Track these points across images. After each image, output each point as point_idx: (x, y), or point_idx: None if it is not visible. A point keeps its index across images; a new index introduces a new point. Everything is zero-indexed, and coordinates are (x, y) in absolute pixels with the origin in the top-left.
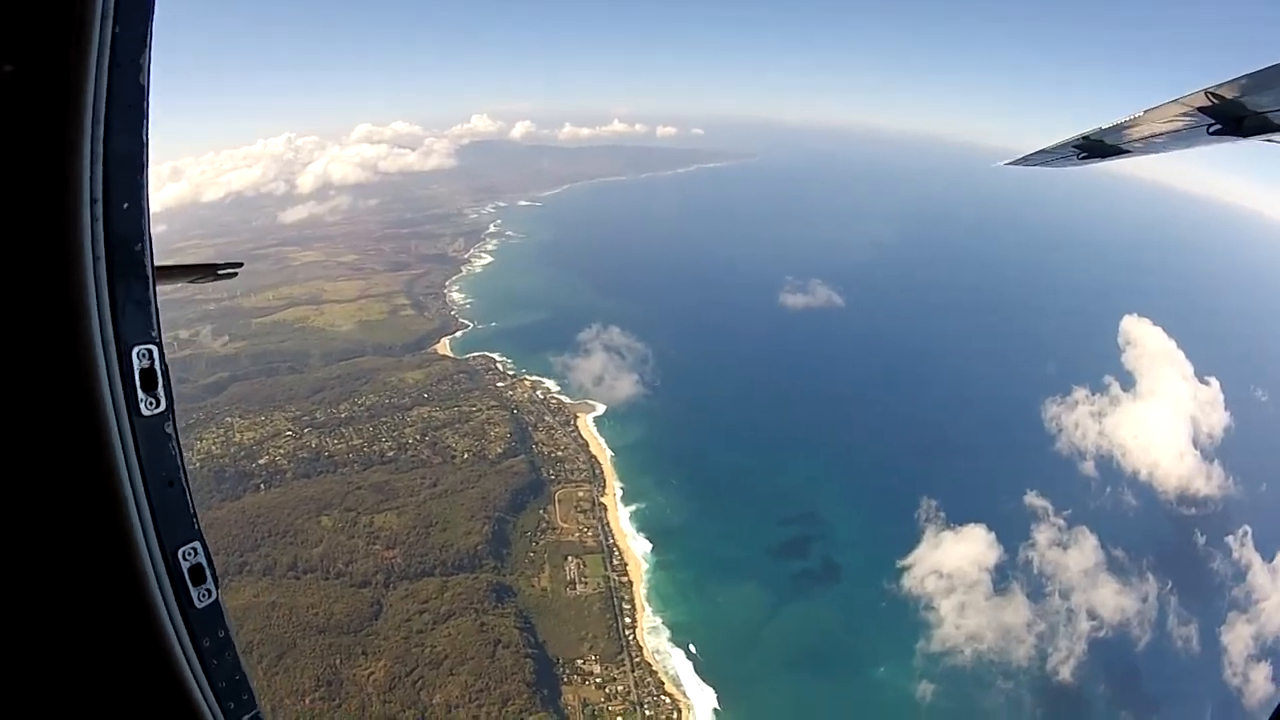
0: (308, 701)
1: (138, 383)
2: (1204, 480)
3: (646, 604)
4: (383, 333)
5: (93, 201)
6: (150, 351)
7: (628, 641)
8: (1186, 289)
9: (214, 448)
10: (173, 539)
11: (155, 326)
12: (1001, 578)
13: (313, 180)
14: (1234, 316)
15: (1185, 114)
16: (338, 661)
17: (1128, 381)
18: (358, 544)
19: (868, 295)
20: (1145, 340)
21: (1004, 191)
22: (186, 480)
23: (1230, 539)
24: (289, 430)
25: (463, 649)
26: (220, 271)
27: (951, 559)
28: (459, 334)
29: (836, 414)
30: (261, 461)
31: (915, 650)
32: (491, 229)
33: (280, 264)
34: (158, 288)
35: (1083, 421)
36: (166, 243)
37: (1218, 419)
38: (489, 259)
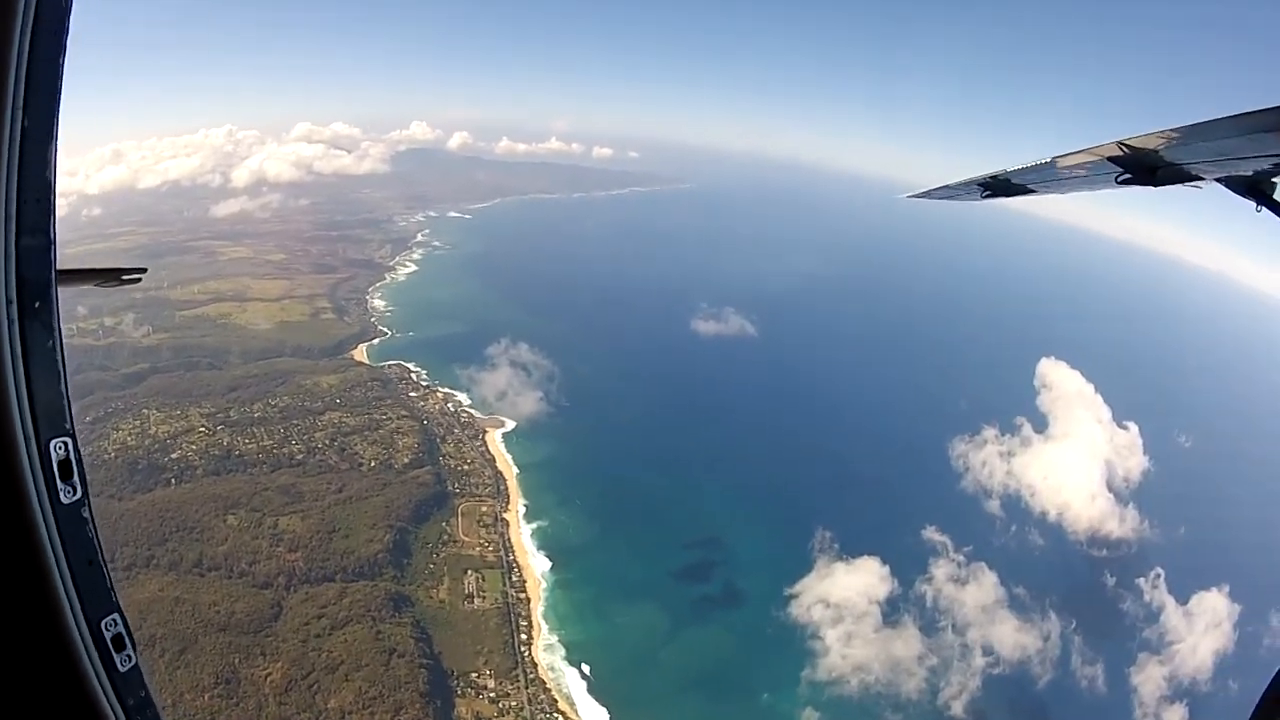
0: (206, 698)
1: (56, 473)
2: (1117, 523)
3: (543, 621)
4: (302, 334)
5: (8, 303)
6: (66, 444)
7: (523, 658)
8: (1108, 332)
9: (129, 439)
10: (96, 612)
11: (69, 419)
12: (893, 610)
13: (248, 175)
14: (1158, 361)
15: (1096, 162)
16: (237, 660)
17: (1040, 423)
18: (261, 545)
19: (782, 325)
20: (1062, 383)
21: (928, 227)
22: (103, 558)
23: (1141, 581)
24: (203, 427)
25: (358, 656)
26: (125, 276)
27: (840, 590)
28: (376, 341)
29: (743, 441)
30: (174, 456)
31: (800, 678)
32: (419, 238)
33: (209, 257)
34: (62, 291)
35: (990, 460)
36: (101, 227)
37: (1136, 463)
38: (414, 268)
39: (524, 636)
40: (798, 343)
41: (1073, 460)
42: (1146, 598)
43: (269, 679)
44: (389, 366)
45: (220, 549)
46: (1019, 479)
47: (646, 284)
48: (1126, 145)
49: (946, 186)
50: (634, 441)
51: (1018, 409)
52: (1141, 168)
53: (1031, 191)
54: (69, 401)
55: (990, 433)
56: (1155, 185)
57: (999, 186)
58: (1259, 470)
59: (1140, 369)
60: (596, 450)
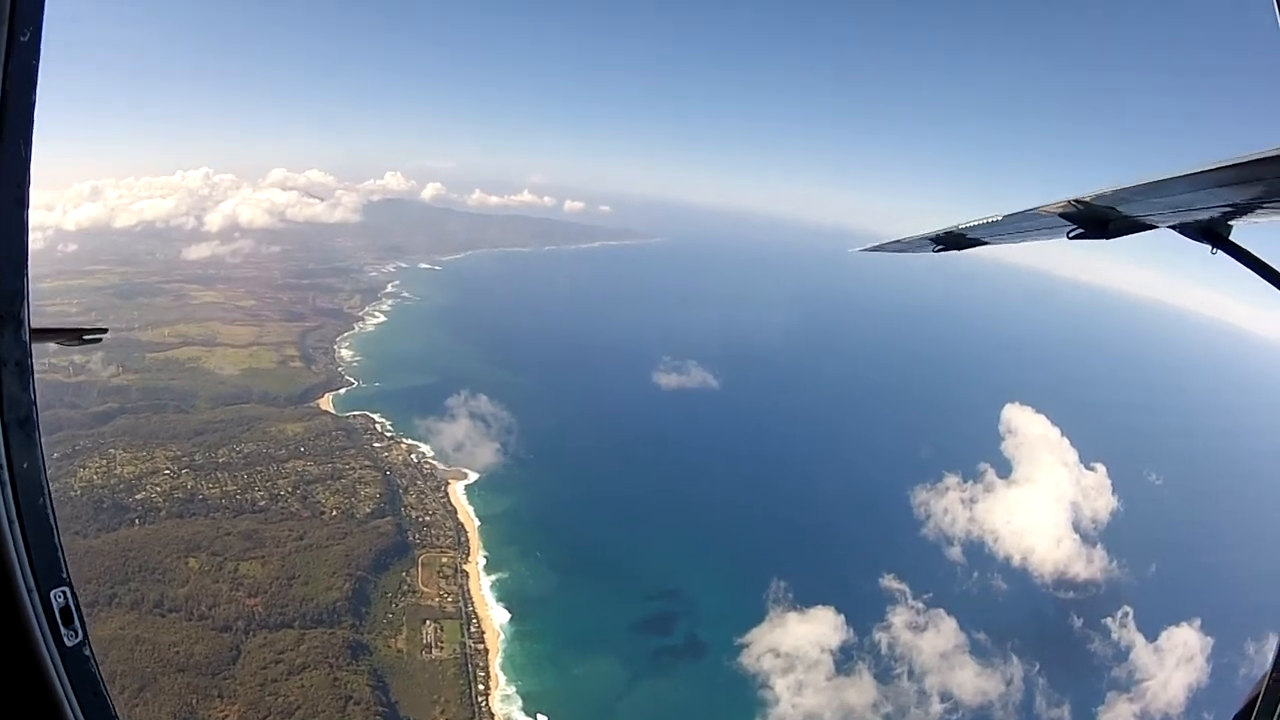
0: None
1: (59, 622)
2: (1084, 564)
3: (501, 673)
4: (270, 381)
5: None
6: (65, 593)
7: (479, 708)
8: (1073, 374)
9: (95, 477)
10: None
11: (64, 565)
12: (846, 658)
13: (221, 219)
14: (1124, 400)
15: (1048, 218)
16: (195, 701)
17: (1004, 469)
18: (222, 589)
19: (745, 378)
20: (1027, 428)
21: (894, 276)
22: (106, 689)
23: (1109, 620)
24: (168, 469)
25: (314, 701)
26: (86, 336)
27: (791, 639)
28: (343, 391)
29: (703, 493)
30: (139, 497)
31: None
32: (389, 288)
33: (180, 300)
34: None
35: (952, 507)
36: (78, 263)
37: (1104, 503)
38: (383, 318)
39: (481, 687)
40: (760, 395)
41: (1037, 504)
42: (1115, 636)
43: None
44: (354, 416)
45: (181, 590)
46: (981, 525)
47: (612, 337)
48: (1078, 202)
49: (899, 241)
50: (595, 494)
51: (981, 455)
52: (1093, 222)
53: (984, 243)
54: (63, 552)
55: (952, 480)
56: (1108, 237)
57: (951, 241)
58: (1231, 502)
59: (1106, 409)
60: (558, 502)
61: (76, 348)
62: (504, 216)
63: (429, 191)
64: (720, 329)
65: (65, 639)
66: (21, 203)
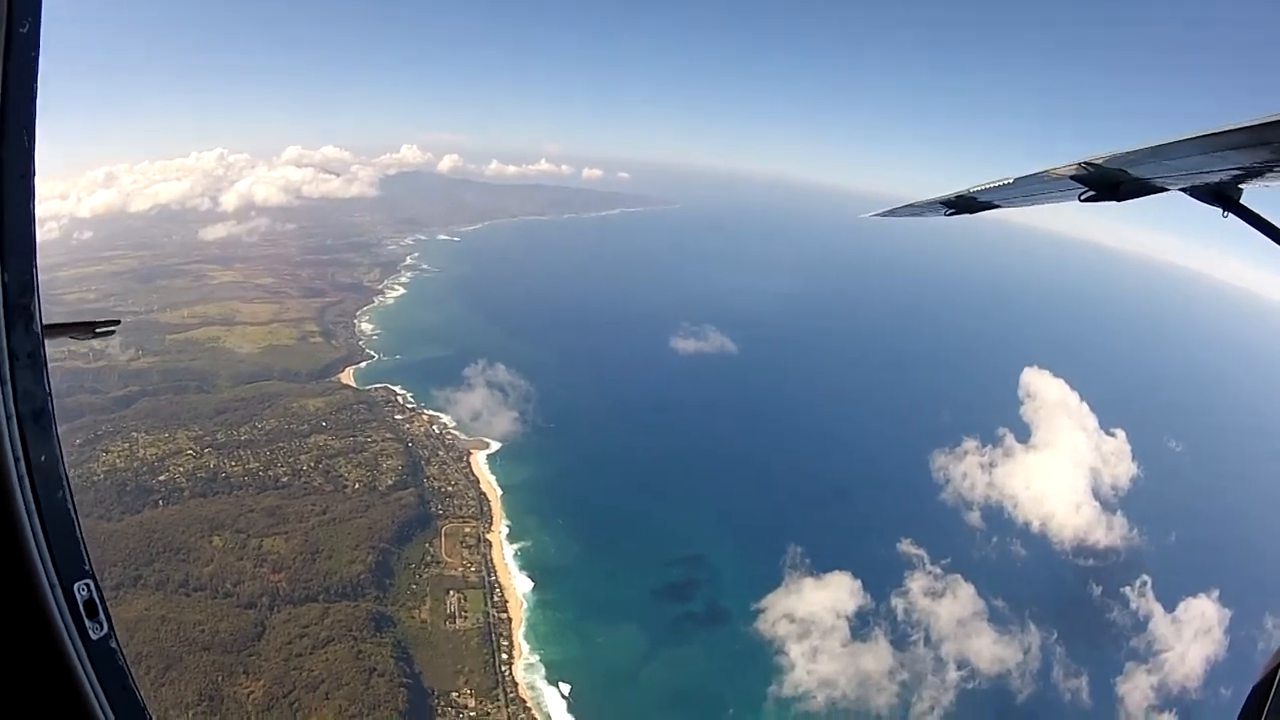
0: (190, 715)
1: (84, 614)
2: (1104, 531)
3: (524, 641)
4: (290, 358)
5: (15, 458)
6: (88, 585)
7: (503, 677)
8: (1092, 338)
9: (118, 461)
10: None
11: (88, 561)
12: (862, 624)
13: (236, 199)
14: (1145, 366)
15: (1058, 180)
16: (220, 679)
17: (1023, 433)
18: (246, 566)
19: (763, 342)
20: (1045, 392)
21: (912, 238)
22: (134, 682)
23: (1128, 589)
24: (190, 449)
25: (339, 674)
26: (99, 329)
27: (806, 605)
28: (364, 364)
29: (723, 458)
30: (162, 478)
31: (768, 694)
32: (408, 261)
33: (199, 281)
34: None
35: (971, 472)
36: (93, 250)
37: (1124, 470)
38: (402, 291)
39: (505, 656)
40: (779, 359)
41: (1057, 470)
42: (1133, 606)
43: (251, 697)
44: (375, 389)
45: (206, 569)
46: (1001, 490)
47: (630, 304)
48: (1089, 165)
49: (910, 205)
50: (616, 461)
51: (1000, 420)
52: (1104, 184)
53: (996, 206)
54: (85, 544)
55: (971, 444)
56: (1118, 200)
57: (963, 204)
58: (1253, 469)
59: (1127, 375)
60: (579, 471)
61: (90, 339)
62: (522, 186)
63: (445, 163)
64: (739, 294)
65: (90, 632)
66: (28, 195)
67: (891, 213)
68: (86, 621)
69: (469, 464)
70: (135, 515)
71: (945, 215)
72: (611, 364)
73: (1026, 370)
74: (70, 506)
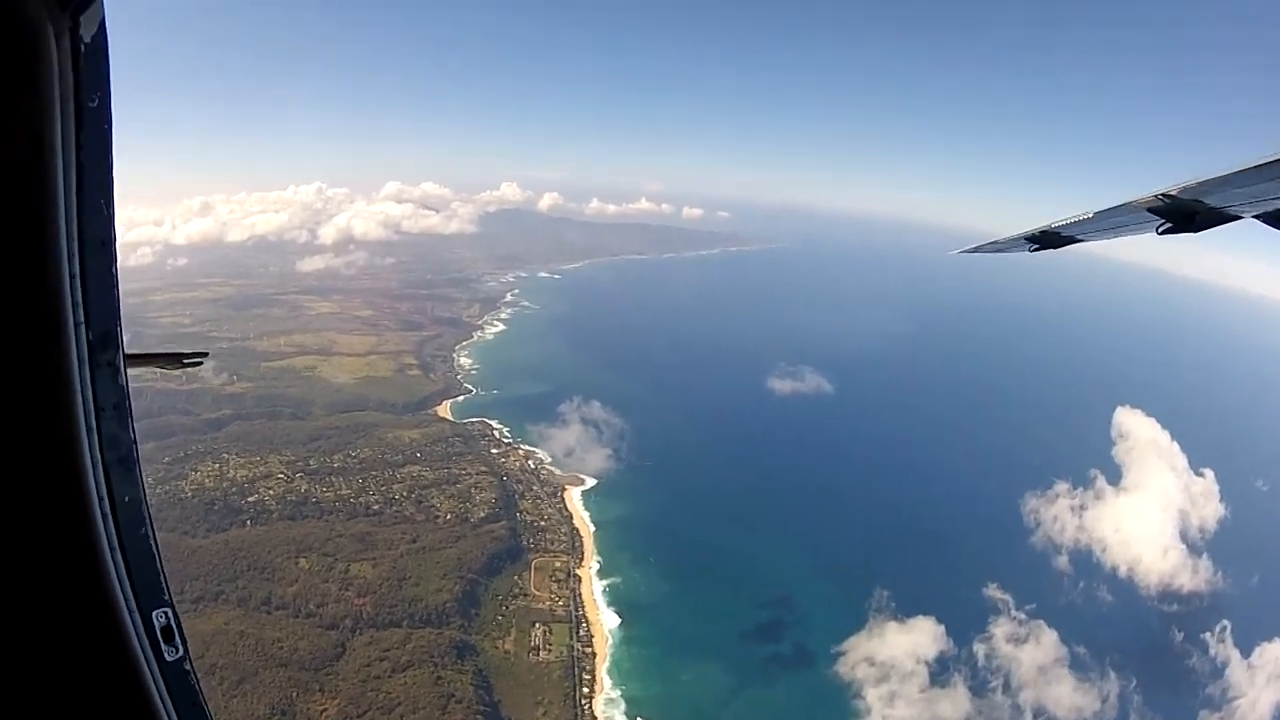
0: None
1: (160, 639)
2: (1189, 575)
3: (607, 677)
4: (387, 389)
5: (99, 499)
6: (166, 613)
7: (582, 711)
8: (1185, 375)
9: (207, 480)
10: None
11: (166, 588)
12: (942, 670)
13: (335, 232)
14: (1235, 403)
15: (1136, 214)
16: (295, 694)
17: (1114, 475)
18: (331, 588)
19: (860, 383)
20: (1137, 431)
21: (1008, 275)
22: (205, 701)
23: (1208, 635)
24: (282, 473)
25: (416, 699)
26: (186, 360)
27: (888, 649)
28: (461, 398)
29: (816, 499)
30: (251, 499)
31: None
32: (508, 297)
33: (296, 311)
34: (130, 373)
35: (1062, 515)
36: (187, 276)
37: (1211, 511)
38: (502, 327)
39: (586, 690)
40: (874, 400)
41: (1146, 512)
42: (1212, 652)
43: (324, 714)
44: (472, 423)
45: (290, 589)
46: (1090, 534)
47: (728, 343)
48: (1165, 196)
49: (995, 242)
50: (710, 500)
51: (1092, 460)
52: (1180, 215)
53: (1078, 241)
54: (164, 573)
55: (1063, 486)
56: (1194, 230)
57: (1046, 240)
58: None
59: (1217, 412)
60: (673, 508)
61: (178, 369)
62: (622, 225)
63: (545, 201)
64: (836, 333)
65: (165, 654)
66: (109, 261)
67: (978, 249)
68: (163, 645)
69: (563, 499)
70: (221, 534)
71: (1030, 251)
72: (708, 403)
73: (1119, 410)
74: (152, 542)
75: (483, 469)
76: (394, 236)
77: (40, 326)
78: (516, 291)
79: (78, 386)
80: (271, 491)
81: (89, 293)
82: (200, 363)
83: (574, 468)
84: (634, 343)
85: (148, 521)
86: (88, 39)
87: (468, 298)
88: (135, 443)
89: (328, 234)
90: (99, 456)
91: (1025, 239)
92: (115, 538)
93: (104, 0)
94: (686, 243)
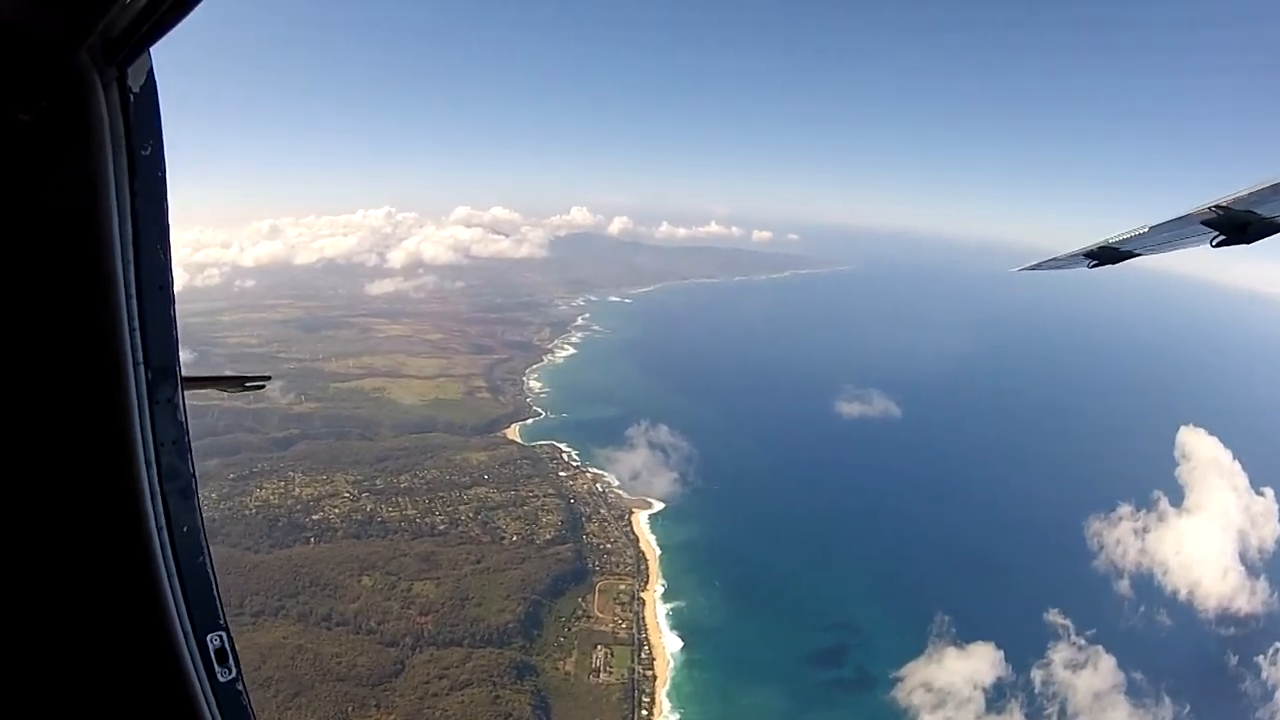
0: None
1: (214, 661)
2: (1247, 598)
3: (666, 700)
4: (456, 412)
5: (158, 527)
6: (221, 637)
7: None
8: (1244, 392)
9: (272, 497)
10: None
11: (221, 613)
12: (999, 696)
13: (404, 256)
14: None
15: (1191, 227)
16: (350, 709)
17: (1177, 496)
18: (393, 606)
19: (927, 406)
20: (1201, 452)
21: (1071, 296)
22: (253, 714)
23: (1261, 658)
24: (348, 492)
25: (473, 717)
26: (248, 384)
27: (946, 674)
28: (530, 421)
29: (882, 524)
30: (315, 517)
31: None
32: (579, 321)
33: (365, 334)
34: (189, 394)
35: (1124, 539)
36: (255, 298)
37: (1270, 531)
38: (572, 350)
39: (644, 713)
40: (941, 421)
41: (1207, 533)
42: (1264, 675)
43: None
44: (540, 446)
45: (351, 606)
46: (1152, 557)
47: (796, 366)
48: (1218, 207)
49: (1054, 259)
50: (776, 524)
51: (1156, 482)
52: (1233, 227)
53: (1136, 255)
54: (220, 599)
55: (1126, 509)
56: (1248, 242)
57: (1104, 255)
58: None
59: (1275, 427)
60: (739, 532)
61: (238, 392)
62: (692, 248)
63: (615, 226)
64: (904, 355)
65: (219, 676)
66: (167, 303)
67: (1037, 266)
68: (216, 667)
69: (630, 523)
70: (284, 550)
71: (1089, 267)
72: (777, 427)
73: (1183, 429)
74: (209, 569)
75: (550, 491)
76: (464, 260)
77: (101, 366)
78: (587, 315)
79: (138, 422)
80: (336, 510)
81: (148, 333)
82: (263, 385)
83: (642, 491)
84: (704, 367)
85: (205, 550)
86: (136, 89)
87: (538, 321)
88: (194, 475)
89: (397, 258)
90: (159, 488)
91: (1084, 255)
92: (173, 564)
93: (151, 53)
94: (756, 266)
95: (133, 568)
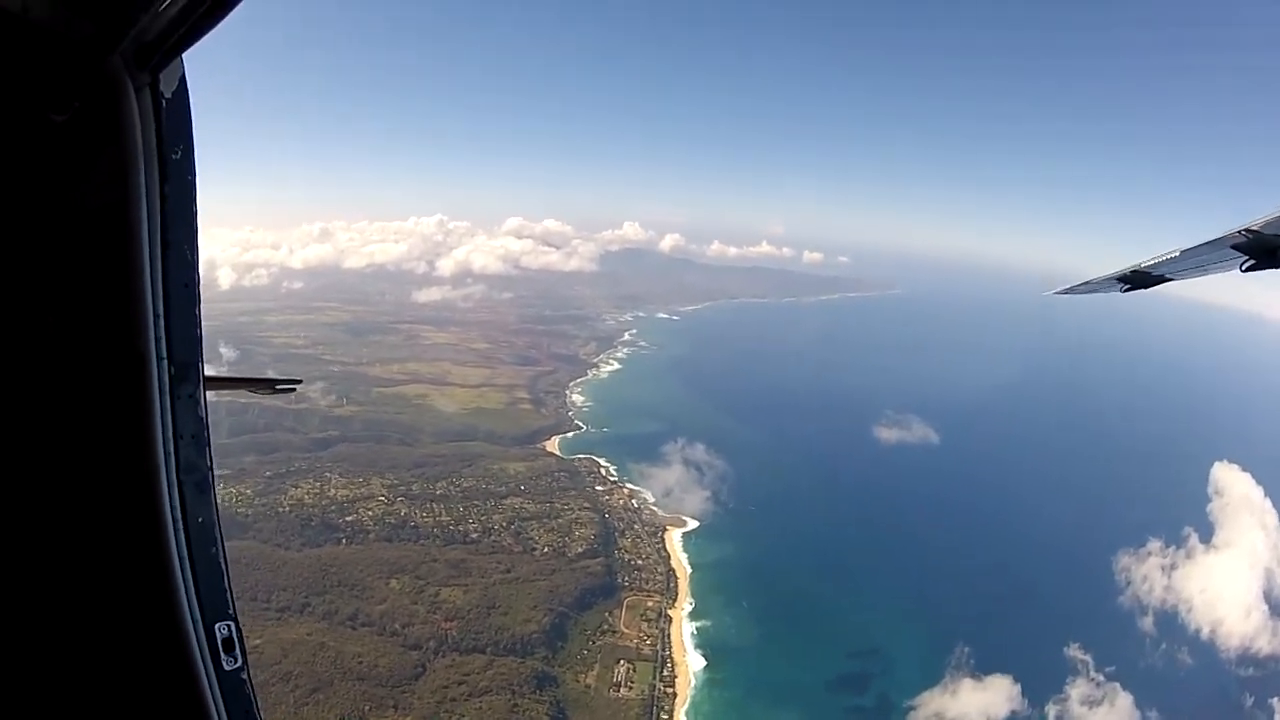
0: None
1: (220, 649)
2: (1269, 638)
3: (684, 718)
4: (497, 421)
5: (173, 520)
6: (229, 626)
7: None
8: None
9: (307, 497)
10: None
11: (231, 605)
12: None
13: (453, 265)
14: None
15: (1221, 251)
16: (367, 708)
17: (1207, 532)
18: (419, 610)
19: (966, 434)
20: (1234, 488)
21: (1114, 324)
22: (259, 711)
23: (1275, 701)
24: (383, 495)
25: None
26: (279, 386)
27: (960, 706)
28: (571, 434)
29: (913, 551)
30: (349, 518)
31: None
32: (626, 337)
33: (411, 340)
34: (218, 395)
35: (1151, 574)
36: (303, 300)
37: None
38: (617, 366)
39: None
40: (979, 451)
41: (1233, 571)
42: (1276, 718)
43: None
44: (579, 459)
45: (378, 608)
46: (1178, 594)
47: (841, 389)
48: (1248, 231)
49: (1088, 282)
50: (808, 547)
51: (1188, 517)
52: (1263, 251)
53: (1168, 279)
54: (231, 590)
55: (1155, 544)
56: (1277, 266)
57: (1137, 280)
58: None
59: None
60: (771, 554)
61: (268, 395)
62: (743, 268)
63: (667, 242)
64: (947, 382)
65: (225, 664)
66: (193, 301)
67: (1070, 290)
68: (223, 655)
69: (663, 540)
70: (315, 549)
71: (1122, 291)
72: (816, 450)
73: (1217, 465)
74: (221, 561)
75: (585, 505)
76: (513, 271)
77: (125, 359)
78: (634, 331)
79: (158, 415)
80: (370, 513)
81: (172, 330)
82: (294, 389)
83: (677, 509)
84: (747, 387)
85: (219, 541)
86: (168, 94)
87: (585, 335)
88: (211, 469)
89: (446, 266)
90: (175, 479)
91: (1117, 279)
92: (186, 554)
93: (184, 59)
94: (806, 287)
95: (146, 555)
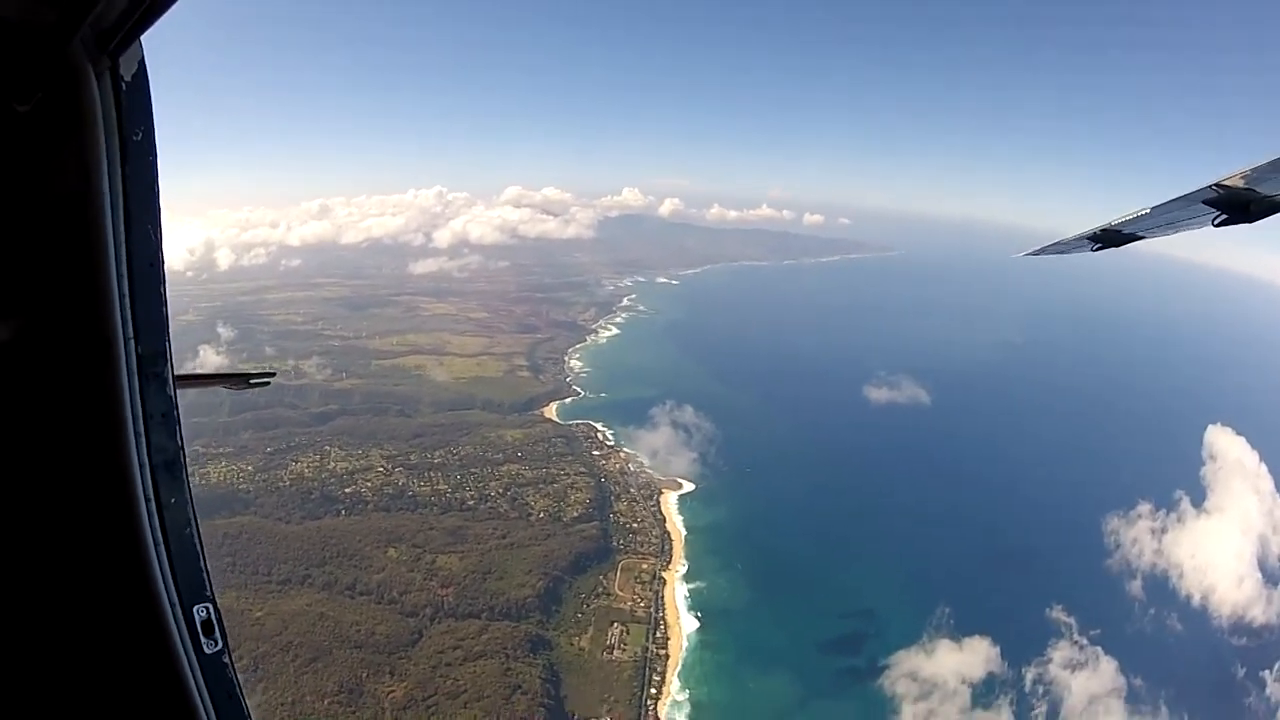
0: (326, 703)
1: (200, 633)
2: (1262, 607)
3: (676, 679)
4: (495, 390)
5: (145, 498)
6: (208, 609)
7: (646, 711)
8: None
9: (307, 471)
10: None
11: (209, 587)
12: (987, 692)
13: (450, 236)
14: None
15: (1192, 207)
16: (364, 675)
17: (1199, 496)
18: (416, 578)
19: (958, 394)
20: (1228, 452)
21: (1118, 283)
22: (241, 690)
23: (1266, 673)
24: (381, 467)
25: (482, 687)
26: (253, 380)
27: (934, 666)
28: (568, 400)
29: (904, 512)
30: (348, 490)
31: None
32: (625, 302)
33: (410, 312)
34: (190, 392)
35: (1141, 538)
36: (304, 276)
37: None
38: (615, 331)
39: (654, 691)
40: (968, 411)
41: (1226, 536)
42: (1268, 691)
43: (390, 695)
44: (576, 425)
45: (376, 577)
46: (1168, 558)
47: (838, 351)
48: (1219, 186)
49: (1058, 242)
50: (802, 509)
51: (1179, 481)
52: (1234, 206)
53: (1139, 238)
54: (208, 571)
55: (1145, 508)
56: (1249, 221)
57: (1107, 238)
58: None
59: None
60: (765, 516)
61: (243, 389)
62: (742, 231)
63: (666, 207)
64: (942, 343)
65: (205, 648)
66: (158, 280)
67: (1041, 251)
68: (202, 639)
69: (659, 503)
70: (315, 521)
71: (1092, 250)
72: (808, 411)
73: (1210, 428)
74: (196, 542)
75: (581, 470)
76: (511, 240)
77: (92, 341)
78: (633, 296)
79: (127, 396)
80: (369, 484)
81: (138, 310)
82: (268, 382)
83: (672, 472)
84: (745, 350)
85: (193, 522)
86: (128, 78)
87: (584, 301)
88: (183, 448)
89: (443, 238)
90: (146, 461)
91: (1087, 238)
92: (161, 536)
93: (142, 43)
94: (806, 250)
95: (120, 539)
